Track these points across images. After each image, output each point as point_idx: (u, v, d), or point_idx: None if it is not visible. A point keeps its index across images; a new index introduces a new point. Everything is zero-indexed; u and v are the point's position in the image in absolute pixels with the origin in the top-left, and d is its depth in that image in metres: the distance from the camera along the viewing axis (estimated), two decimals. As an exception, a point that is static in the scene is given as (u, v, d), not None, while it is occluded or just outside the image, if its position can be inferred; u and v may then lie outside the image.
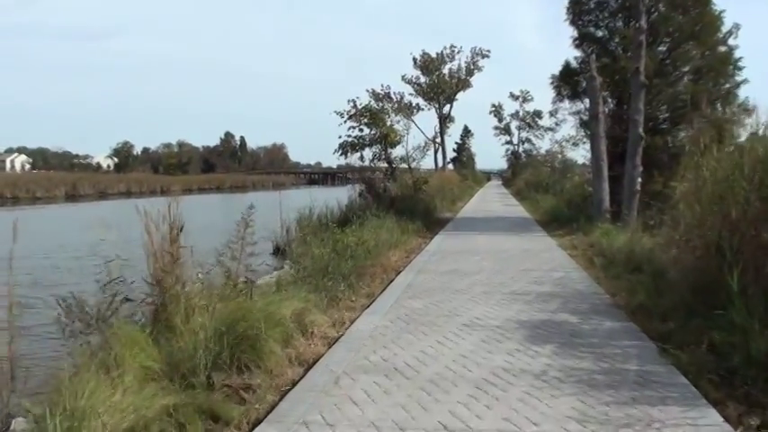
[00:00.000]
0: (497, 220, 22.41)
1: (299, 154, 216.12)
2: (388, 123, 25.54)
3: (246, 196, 57.52)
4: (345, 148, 25.27)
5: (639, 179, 15.86)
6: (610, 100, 19.21)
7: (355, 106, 24.89)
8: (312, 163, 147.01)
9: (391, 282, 9.89)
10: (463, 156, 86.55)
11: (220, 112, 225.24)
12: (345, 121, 24.64)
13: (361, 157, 25.34)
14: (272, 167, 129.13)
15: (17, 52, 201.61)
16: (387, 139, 25.22)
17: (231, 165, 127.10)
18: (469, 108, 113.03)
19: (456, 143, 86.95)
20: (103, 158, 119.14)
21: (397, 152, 26.63)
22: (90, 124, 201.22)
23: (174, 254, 6.42)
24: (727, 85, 18.25)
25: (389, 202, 21.22)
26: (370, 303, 8.19)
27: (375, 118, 24.83)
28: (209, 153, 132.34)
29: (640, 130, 15.71)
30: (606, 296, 8.45)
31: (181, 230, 6.53)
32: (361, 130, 24.99)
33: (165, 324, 5.86)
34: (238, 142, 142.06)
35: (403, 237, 15.22)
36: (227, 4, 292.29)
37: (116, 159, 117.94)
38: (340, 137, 24.87)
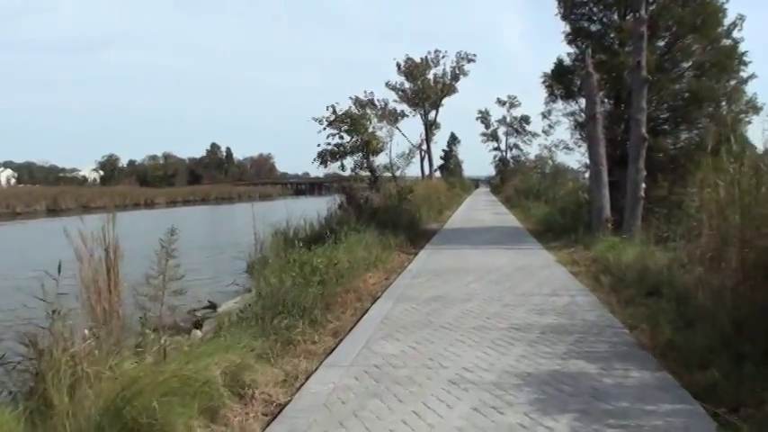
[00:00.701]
0: (487, 230, 20.87)
1: (287, 164, 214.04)
2: (370, 129, 24.06)
3: (233, 208, 55.81)
4: (325, 156, 23.81)
5: (643, 184, 14.43)
6: (606, 100, 17.77)
7: (335, 112, 23.42)
8: (300, 173, 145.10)
9: (365, 313, 8.32)
10: (450, 163, 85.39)
11: (207, 123, 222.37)
12: (324, 128, 23.19)
13: (342, 166, 23.86)
14: (258, 178, 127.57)
15: (2, 68, 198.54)
16: (368, 147, 23.73)
17: (218, 176, 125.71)
18: (456, 115, 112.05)
19: (443, 150, 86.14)
20: (89, 171, 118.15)
21: (381, 160, 25.22)
22: (77, 138, 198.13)
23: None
24: (733, 81, 16.84)
25: (371, 213, 19.72)
26: (335, 347, 6.61)
27: (356, 124, 23.34)
28: (195, 165, 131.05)
29: (643, 130, 14.27)
30: (624, 330, 6.91)
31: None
32: (341, 138, 23.56)
33: (42, 400, 4.29)
34: (224, 153, 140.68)
35: (384, 254, 13.69)
36: (212, 15, 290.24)
37: (101, 172, 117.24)
38: (319, 145, 23.43)
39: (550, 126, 19.19)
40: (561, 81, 18.02)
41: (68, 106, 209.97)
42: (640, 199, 14.35)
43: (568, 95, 18.08)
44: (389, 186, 24.73)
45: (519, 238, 18.18)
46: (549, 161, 38.39)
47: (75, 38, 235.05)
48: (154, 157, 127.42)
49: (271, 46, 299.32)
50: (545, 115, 19.05)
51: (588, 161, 18.54)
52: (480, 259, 13.18)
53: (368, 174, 24.27)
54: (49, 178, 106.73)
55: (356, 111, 23.95)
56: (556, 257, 13.25)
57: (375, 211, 20.08)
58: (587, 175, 37.71)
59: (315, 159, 24.12)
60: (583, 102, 17.85)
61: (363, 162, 24.17)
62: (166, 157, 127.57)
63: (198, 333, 6.55)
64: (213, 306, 13.69)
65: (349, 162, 23.72)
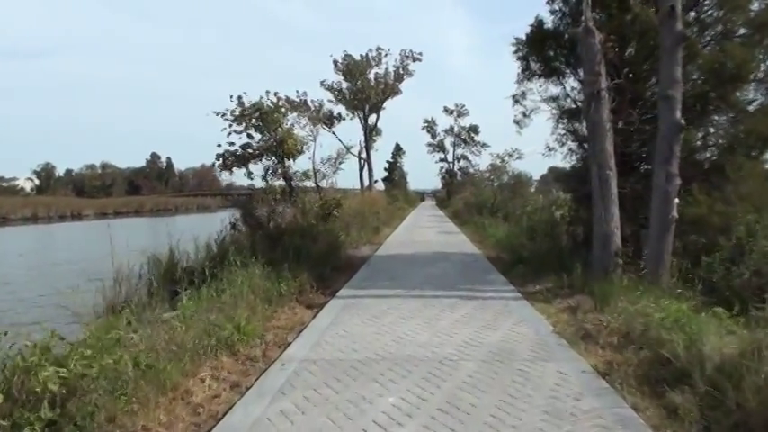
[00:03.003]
0: (435, 260, 15.26)
1: (232, 175, 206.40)
2: (286, 126, 18.54)
3: (166, 220, 49.54)
4: (227, 160, 18.21)
5: (677, 200, 9.24)
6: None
7: (241, 104, 17.89)
8: (246, 184, 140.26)
9: None
10: (395, 175, 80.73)
11: (149, 133, 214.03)
12: (231, 125, 17.67)
13: (248, 173, 18.37)
14: (200, 189, 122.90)
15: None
16: (283, 148, 18.21)
17: (158, 187, 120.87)
18: (402, 127, 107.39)
19: (387, 162, 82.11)
20: (24, 180, 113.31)
21: (302, 166, 19.85)
22: (17, 146, 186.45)
23: None
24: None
25: (275, 235, 14.15)
26: None
27: (265, 119, 17.83)
28: (134, 175, 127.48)
29: (678, 113, 9.08)
30: None
31: None
32: (249, 137, 18.06)
33: None
34: (165, 164, 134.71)
35: (261, 313, 8.10)
36: (155, 24, 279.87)
37: (37, 181, 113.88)
38: (219, 145, 17.88)
39: (525, 115, 13.50)
40: (541, 51, 12.58)
41: (7, 113, 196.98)
42: (672, 221, 9.15)
43: (551, 72, 12.62)
44: (310, 199, 19.25)
45: (479, 274, 12.74)
46: (507, 173, 33.45)
47: (11, 46, 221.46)
48: (91, 167, 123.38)
49: (216, 55, 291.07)
50: (517, 99, 13.44)
51: (574, 164, 13.42)
52: (420, 329, 7.63)
53: (281, 183, 18.82)
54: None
55: (269, 103, 18.33)
56: (551, 322, 7.82)
57: (281, 233, 14.52)
58: (534, 188, 32.77)
59: (214, 163, 18.69)
60: (569, 82, 12.66)
61: (277, 167, 18.73)
62: (104, 166, 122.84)
63: None
64: None
65: (259, 168, 18.38)
